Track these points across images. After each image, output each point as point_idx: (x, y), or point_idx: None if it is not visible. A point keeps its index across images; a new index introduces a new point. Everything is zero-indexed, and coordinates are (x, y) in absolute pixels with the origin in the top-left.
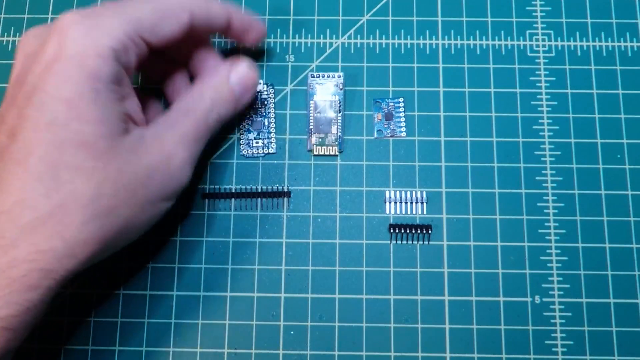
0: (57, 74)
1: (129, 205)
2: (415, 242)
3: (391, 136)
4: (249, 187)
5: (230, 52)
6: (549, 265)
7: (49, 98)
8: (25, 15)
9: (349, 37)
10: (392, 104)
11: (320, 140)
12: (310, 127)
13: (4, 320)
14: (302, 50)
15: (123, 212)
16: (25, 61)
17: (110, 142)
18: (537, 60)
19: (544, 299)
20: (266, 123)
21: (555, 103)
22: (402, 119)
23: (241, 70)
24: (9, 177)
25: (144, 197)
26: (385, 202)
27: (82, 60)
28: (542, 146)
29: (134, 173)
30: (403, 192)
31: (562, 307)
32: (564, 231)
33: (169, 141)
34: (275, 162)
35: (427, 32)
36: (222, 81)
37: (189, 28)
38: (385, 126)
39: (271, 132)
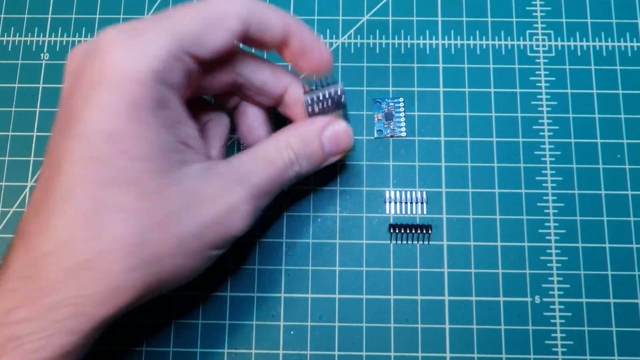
0: (97, 103)
1: (176, 254)
2: (415, 242)
3: (391, 136)
4: None
5: None
6: (549, 265)
7: (89, 131)
8: (25, 15)
9: (349, 37)
10: (392, 104)
11: None
12: None
13: None
14: None
15: (170, 260)
16: (71, 78)
17: (159, 180)
18: (537, 60)
19: (544, 299)
20: None
21: (555, 103)
22: (402, 119)
23: (338, 128)
24: (54, 215)
25: (195, 247)
26: (385, 202)
27: (121, 87)
28: (542, 146)
29: (187, 220)
30: (403, 192)
31: (562, 307)
32: (564, 231)
33: (238, 193)
34: None
35: (427, 32)
36: (313, 133)
37: (242, 37)
38: (385, 126)
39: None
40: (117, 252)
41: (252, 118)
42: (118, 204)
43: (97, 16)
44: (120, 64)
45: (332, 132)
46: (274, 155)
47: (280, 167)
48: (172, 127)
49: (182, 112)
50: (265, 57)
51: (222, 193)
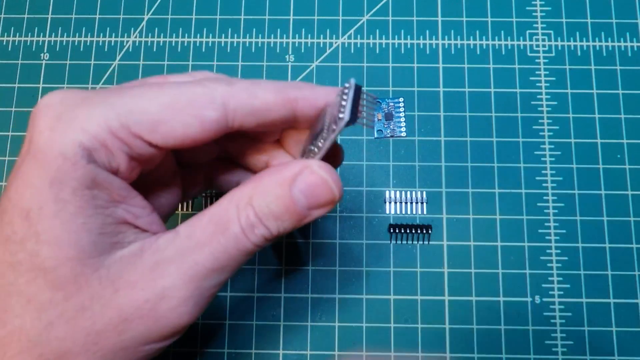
0: (21, 176)
1: (88, 352)
2: (415, 242)
3: (391, 136)
4: None
5: None
6: (549, 265)
7: (10, 206)
8: (25, 15)
9: (349, 37)
10: (392, 104)
11: None
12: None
13: None
14: (302, 50)
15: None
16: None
17: (77, 268)
18: (537, 60)
19: (544, 299)
20: None
21: (555, 103)
22: (402, 119)
23: (312, 178)
24: None
25: (115, 344)
26: (385, 202)
27: (47, 161)
28: (542, 146)
29: (101, 313)
30: (403, 192)
31: (562, 307)
32: (564, 231)
33: (169, 276)
34: None
35: (427, 32)
36: (280, 185)
37: (225, 126)
38: (385, 126)
39: None
40: (17, 345)
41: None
42: (27, 293)
43: (97, 16)
44: (48, 135)
45: (306, 182)
46: (228, 218)
47: (235, 234)
48: (106, 208)
49: (123, 190)
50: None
51: (149, 277)
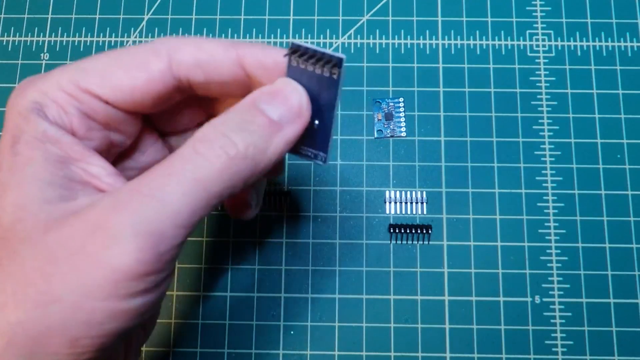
0: None
1: (19, 303)
2: (415, 242)
3: (391, 136)
4: None
5: None
6: (549, 265)
7: None
8: (25, 15)
9: (349, 37)
10: (392, 104)
11: None
12: None
13: None
14: None
15: (13, 313)
16: None
17: (21, 213)
18: (537, 60)
19: (544, 299)
20: None
21: (555, 103)
22: (402, 119)
23: (272, 85)
24: None
25: (43, 294)
26: (385, 202)
27: (7, 122)
28: (542, 146)
29: (29, 256)
30: (403, 192)
31: (562, 307)
32: (564, 231)
33: (102, 204)
34: None
35: (427, 32)
36: (243, 104)
37: (172, 78)
38: (385, 126)
39: None
40: None
41: None
42: None
43: (97, 16)
44: (12, 101)
45: (267, 93)
46: (192, 142)
47: (183, 153)
48: (59, 162)
49: (77, 147)
50: None
51: (81, 213)
